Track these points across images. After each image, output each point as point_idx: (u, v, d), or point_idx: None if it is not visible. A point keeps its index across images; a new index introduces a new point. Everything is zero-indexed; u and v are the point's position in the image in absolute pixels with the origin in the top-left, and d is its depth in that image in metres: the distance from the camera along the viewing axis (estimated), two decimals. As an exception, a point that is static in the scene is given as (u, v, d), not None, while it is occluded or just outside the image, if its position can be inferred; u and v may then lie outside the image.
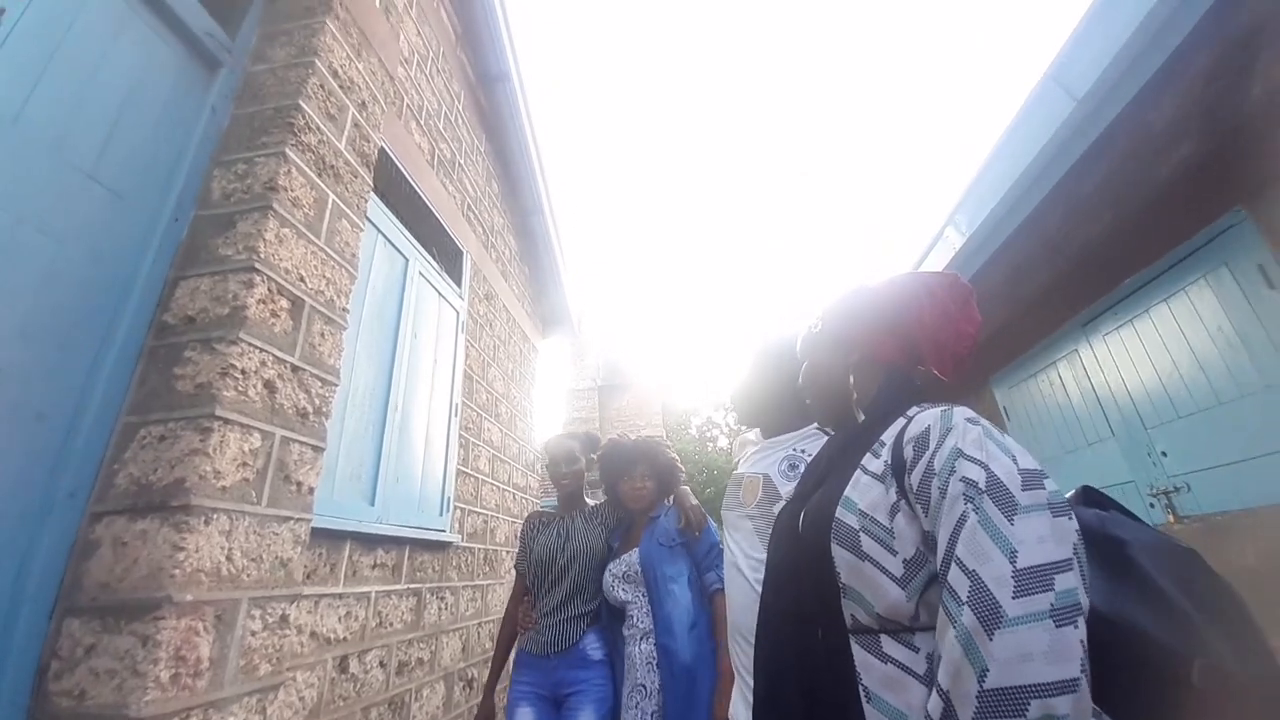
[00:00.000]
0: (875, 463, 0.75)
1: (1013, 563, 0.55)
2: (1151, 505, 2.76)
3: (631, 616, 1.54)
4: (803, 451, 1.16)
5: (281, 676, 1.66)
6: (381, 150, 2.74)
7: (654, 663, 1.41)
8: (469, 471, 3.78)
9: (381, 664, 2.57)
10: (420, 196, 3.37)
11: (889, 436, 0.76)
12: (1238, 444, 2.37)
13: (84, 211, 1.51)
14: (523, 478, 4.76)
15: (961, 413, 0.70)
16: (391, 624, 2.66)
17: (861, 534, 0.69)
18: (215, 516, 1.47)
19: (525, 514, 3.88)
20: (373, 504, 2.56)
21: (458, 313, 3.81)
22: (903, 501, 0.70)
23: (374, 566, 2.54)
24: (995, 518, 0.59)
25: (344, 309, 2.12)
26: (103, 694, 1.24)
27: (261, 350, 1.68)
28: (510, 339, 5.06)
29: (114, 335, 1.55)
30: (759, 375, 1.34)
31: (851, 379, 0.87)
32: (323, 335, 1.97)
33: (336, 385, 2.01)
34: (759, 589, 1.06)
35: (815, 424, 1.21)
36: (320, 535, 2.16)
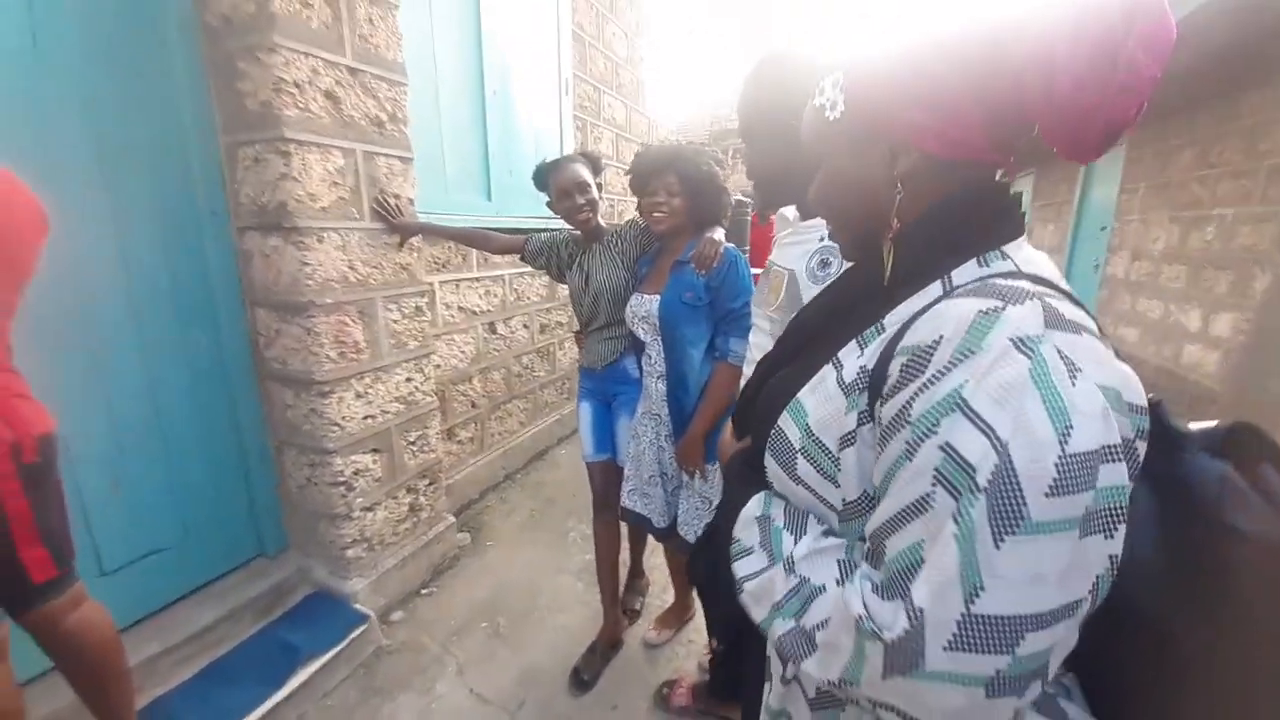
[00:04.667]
0: (853, 361, 0.49)
1: (969, 605, 0.38)
2: None
3: (650, 356, 1.52)
4: None
5: (429, 348, 2.11)
6: None
7: (666, 401, 1.50)
8: (595, 151, 3.65)
9: (525, 326, 3.14)
10: None
11: (897, 319, 0.48)
12: None
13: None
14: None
15: (1017, 321, 0.39)
16: (528, 298, 3.12)
17: (800, 456, 0.51)
18: (325, 234, 1.67)
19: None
20: (489, 199, 2.68)
21: (560, -57, 3.03)
22: (865, 430, 0.47)
23: (504, 255, 2.83)
24: (981, 536, 0.38)
25: (391, -23, 1.79)
26: (296, 363, 1.71)
27: (306, 55, 1.55)
28: (639, -31, 4.04)
29: (170, 47, 1.52)
30: (770, 139, 0.90)
31: (897, 200, 0.50)
32: (372, 22, 1.74)
33: (405, 84, 1.87)
34: None
35: None
36: (447, 229, 2.39)
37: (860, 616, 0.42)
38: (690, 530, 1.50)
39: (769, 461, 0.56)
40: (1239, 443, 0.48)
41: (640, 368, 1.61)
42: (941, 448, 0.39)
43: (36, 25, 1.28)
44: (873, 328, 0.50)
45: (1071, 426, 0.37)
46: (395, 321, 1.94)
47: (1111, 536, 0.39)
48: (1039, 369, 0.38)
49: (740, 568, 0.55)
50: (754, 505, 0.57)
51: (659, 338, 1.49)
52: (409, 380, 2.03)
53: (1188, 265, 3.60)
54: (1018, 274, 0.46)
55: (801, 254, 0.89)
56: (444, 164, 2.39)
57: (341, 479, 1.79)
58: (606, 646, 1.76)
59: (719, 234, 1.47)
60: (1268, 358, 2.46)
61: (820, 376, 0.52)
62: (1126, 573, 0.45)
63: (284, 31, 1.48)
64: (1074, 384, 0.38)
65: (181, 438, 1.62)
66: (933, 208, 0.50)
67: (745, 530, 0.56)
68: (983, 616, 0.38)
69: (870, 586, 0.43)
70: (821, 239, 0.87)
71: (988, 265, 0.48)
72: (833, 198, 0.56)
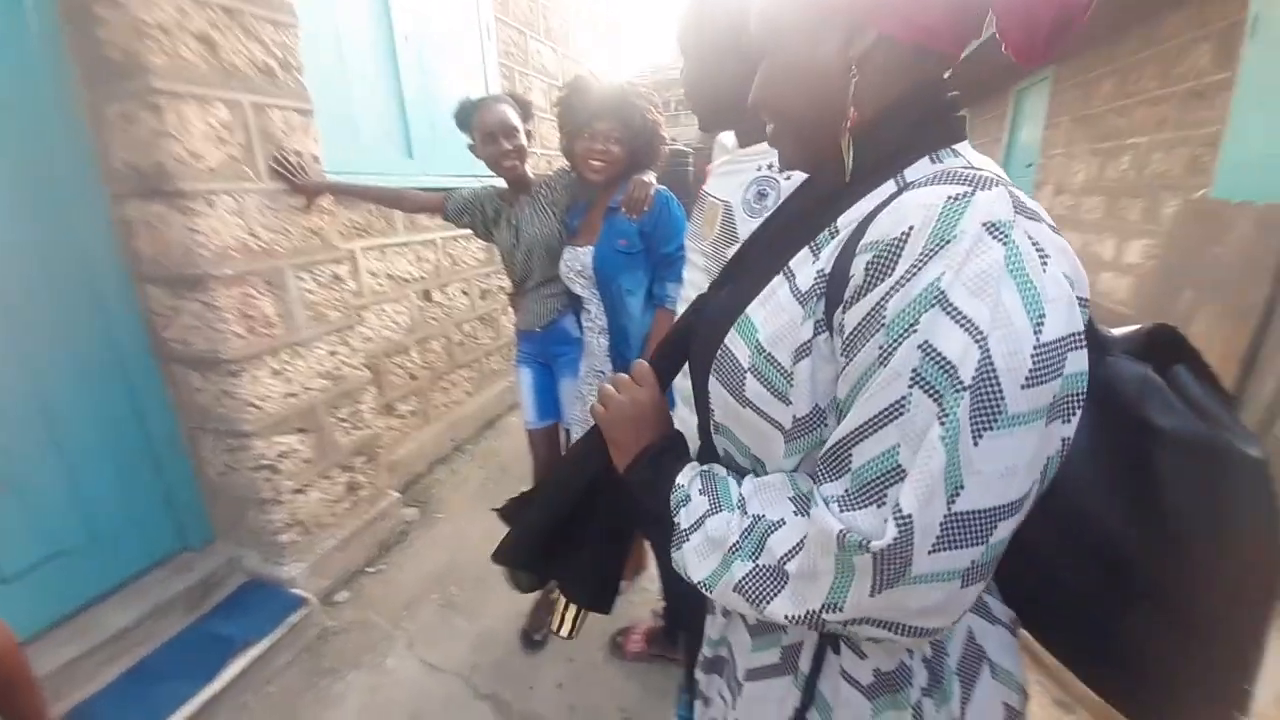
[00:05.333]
0: (808, 269, 0.46)
1: (950, 505, 0.36)
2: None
3: (590, 311, 1.47)
4: (782, 172, 0.80)
5: (353, 319, 1.99)
6: None
7: (609, 356, 1.45)
8: (525, 103, 3.46)
9: (464, 292, 3.01)
10: None
11: (851, 220, 0.45)
12: None
13: None
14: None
15: (987, 206, 0.38)
16: (465, 262, 2.99)
17: (749, 375, 0.48)
18: (216, 198, 1.51)
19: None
20: (410, 155, 2.51)
21: None
22: (820, 340, 0.44)
23: (432, 216, 2.66)
24: (963, 435, 0.36)
25: (265, -98, 1.59)
26: (199, 342, 1.58)
27: (168, -8, 1.37)
28: (559, -97, 3.76)
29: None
30: (710, 54, 0.86)
31: (852, 85, 0.46)
32: (246, -46, 1.54)
33: (295, 26, 1.69)
34: None
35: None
36: (365, 191, 2.22)
37: (841, 533, 0.40)
38: None
39: (713, 386, 0.52)
40: (1158, 345, 0.49)
41: (580, 325, 1.56)
42: (920, 347, 0.37)
43: None
44: (825, 232, 0.47)
45: (1044, 315, 0.36)
46: (310, 292, 1.81)
47: (1069, 421, 0.39)
48: (1013, 256, 0.37)
49: (684, 516, 0.51)
50: (694, 464, 0.56)
51: (596, 291, 1.44)
52: (333, 354, 1.91)
53: (1105, 196, 3.76)
54: (971, 168, 0.44)
55: (738, 185, 0.85)
56: (354, 118, 2.21)
57: (265, 462, 1.69)
58: (550, 602, 1.76)
59: (649, 176, 1.42)
60: (1173, 277, 2.61)
61: (770, 289, 0.48)
62: (1064, 479, 0.44)
63: (134, -37, 1.29)
64: (1045, 271, 0.37)
65: (75, 431, 1.48)
66: (889, 103, 0.47)
67: (688, 479, 0.54)
68: (962, 513, 0.37)
69: (838, 506, 0.41)
70: (759, 169, 0.83)
71: (940, 162, 0.46)
72: (780, 89, 0.51)
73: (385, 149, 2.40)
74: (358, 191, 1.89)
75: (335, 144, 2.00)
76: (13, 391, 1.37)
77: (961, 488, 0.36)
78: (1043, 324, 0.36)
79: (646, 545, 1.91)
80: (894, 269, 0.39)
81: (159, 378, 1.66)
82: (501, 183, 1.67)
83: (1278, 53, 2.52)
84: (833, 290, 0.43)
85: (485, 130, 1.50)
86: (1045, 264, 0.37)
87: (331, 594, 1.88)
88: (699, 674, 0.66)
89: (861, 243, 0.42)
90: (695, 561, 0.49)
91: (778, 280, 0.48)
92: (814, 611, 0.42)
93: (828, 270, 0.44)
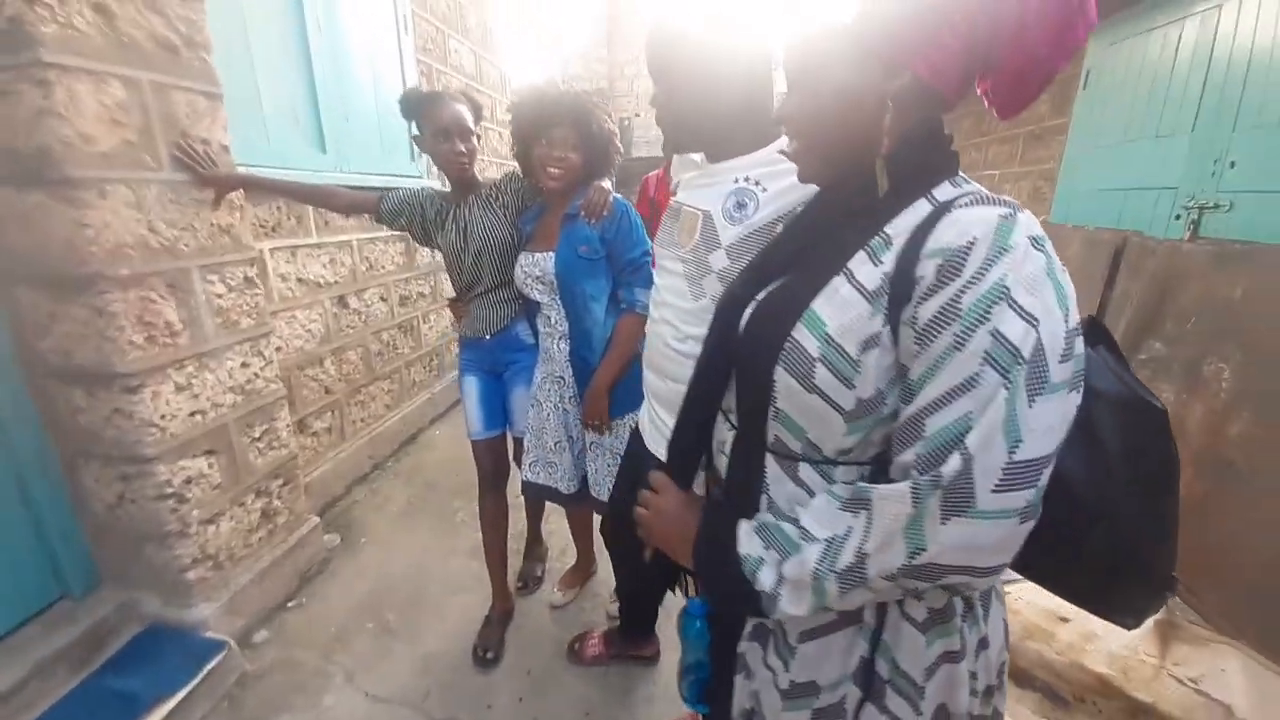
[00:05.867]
0: (870, 271, 0.53)
1: (1011, 454, 0.45)
2: (1178, 216, 2.43)
3: (549, 317, 1.46)
4: (756, 184, 0.86)
5: (266, 326, 1.80)
6: None
7: (570, 361, 1.44)
8: (442, 103, 3.32)
9: (383, 299, 2.82)
10: None
11: (900, 230, 0.53)
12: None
13: None
14: (507, 114, 4.21)
15: (1028, 224, 0.48)
16: (383, 266, 2.80)
17: (819, 364, 0.54)
18: (110, 187, 1.32)
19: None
20: (324, 150, 2.31)
21: None
22: (887, 333, 0.52)
23: (347, 217, 2.47)
24: (1021, 399, 0.45)
25: None
26: (86, 354, 1.36)
27: (54, -49, 1.18)
28: (474, -98, 3.67)
29: None
30: (683, 79, 0.88)
31: (889, 116, 0.55)
32: (147, -83, 1.37)
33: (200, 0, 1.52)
34: (677, 345, 0.98)
35: (777, 145, 0.88)
36: (273, 187, 2.02)
37: (913, 487, 0.48)
38: (603, 489, 1.49)
39: (780, 375, 0.57)
40: (1089, 330, 0.62)
41: (535, 331, 1.53)
42: (991, 332, 0.46)
43: None
44: (877, 239, 0.54)
45: (1069, 309, 0.48)
46: (219, 296, 1.62)
47: (1079, 392, 0.49)
48: (1050, 264, 0.48)
49: (764, 579, 0.56)
50: (745, 524, 0.60)
51: (557, 297, 1.43)
52: (245, 366, 1.72)
53: (970, 220, 4.34)
54: (986, 192, 0.53)
55: (717, 195, 0.91)
56: (261, 106, 2.00)
57: (170, 490, 1.49)
58: (501, 617, 1.72)
59: (607, 183, 1.44)
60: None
61: (833, 288, 0.55)
62: None
63: (12, -89, 1.11)
64: (1065, 275, 0.49)
65: (-88, 464, 1.22)
66: (911, 133, 0.56)
67: (749, 544, 0.59)
68: (1020, 462, 0.46)
69: (917, 471, 0.48)
70: (736, 181, 0.89)
71: (958, 186, 0.55)
72: (818, 113, 0.59)
73: (295, 140, 2.20)
74: (275, 186, 1.73)
75: (239, 130, 1.81)
76: None
77: (1020, 441, 0.46)
78: (1068, 315, 0.48)
79: (595, 551, 1.92)
80: (963, 271, 0.47)
81: (26, 396, 1.40)
82: (437, 185, 1.61)
83: (1102, 104, 3.08)
84: (897, 289, 0.51)
85: (439, 126, 1.45)
86: (1064, 271, 0.49)
87: (249, 634, 1.68)
88: (744, 645, 0.70)
89: (924, 250, 0.50)
90: (793, 608, 0.56)
91: (838, 280, 0.55)
92: (904, 565, 0.49)
93: (892, 274, 0.52)
